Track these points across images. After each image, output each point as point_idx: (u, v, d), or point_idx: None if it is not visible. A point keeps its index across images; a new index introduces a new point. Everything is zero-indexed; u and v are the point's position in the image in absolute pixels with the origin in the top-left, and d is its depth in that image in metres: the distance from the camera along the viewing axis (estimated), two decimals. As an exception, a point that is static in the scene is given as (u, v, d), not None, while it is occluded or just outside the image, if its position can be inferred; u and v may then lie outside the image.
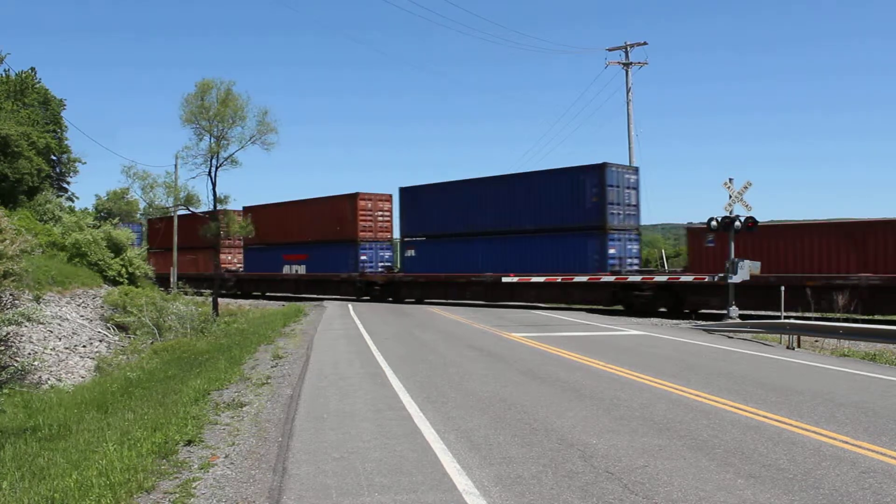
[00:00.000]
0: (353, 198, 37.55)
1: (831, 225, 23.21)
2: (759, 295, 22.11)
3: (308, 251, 39.99)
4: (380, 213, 38.35)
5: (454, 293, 32.77)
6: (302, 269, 40.28)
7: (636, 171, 29.73)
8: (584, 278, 27.30)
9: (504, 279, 29.83)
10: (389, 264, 38.59)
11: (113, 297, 29.32)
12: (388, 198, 38.69)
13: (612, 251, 27.64)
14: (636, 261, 29.60)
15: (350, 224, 37.38)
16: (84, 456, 7.90)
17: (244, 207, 44.10)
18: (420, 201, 34.80)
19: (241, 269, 46.09)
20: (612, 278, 26.73)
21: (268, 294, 44.69)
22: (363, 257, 37.17)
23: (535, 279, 28.84)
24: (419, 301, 34.31)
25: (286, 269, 41.29)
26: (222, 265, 43.69)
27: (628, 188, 28.57)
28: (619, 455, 6.43)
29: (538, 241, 29.49)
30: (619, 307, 27.41)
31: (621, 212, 28.06)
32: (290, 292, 42.11)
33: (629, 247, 28.80)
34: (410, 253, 34.84)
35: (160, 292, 35.96)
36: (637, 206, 29.06)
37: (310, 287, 40.34)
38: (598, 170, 27.54)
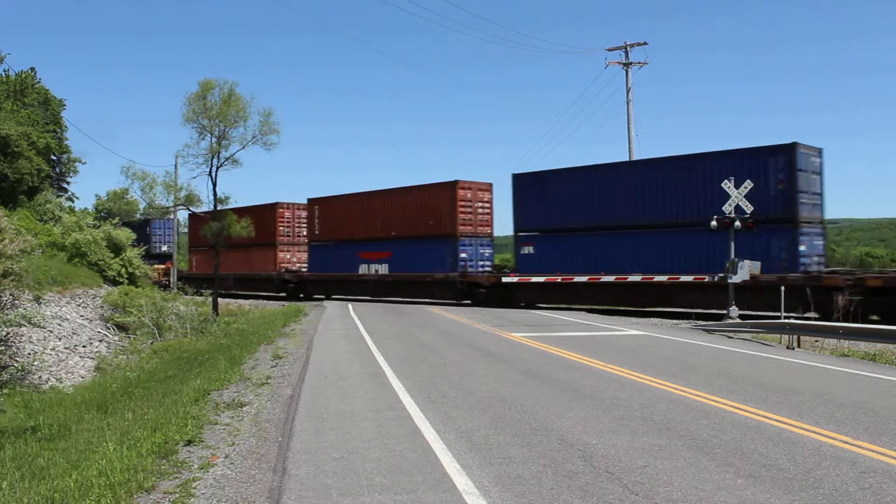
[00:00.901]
0: (451, 186, 33.03)
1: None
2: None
3: (391, 248, 35.35)
4: (480, 204, 33.81)
5: (587, 296, 28.18)
6: (383, 269, 35.75)
7: (820, 153, 24.93)
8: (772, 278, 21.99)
9: (657, 278, 25.39)
10: (490, 263, 34.42)
11: (113, 297, 29.32)
12: (489, 187, 34.42)
13: (802, 248, 23.26)
14: (823, 258, 25.04)
15: (447, 217, 32.93)
16: (84, 456, 7.90)
17: (309, 199, 40.68)
18: (543, 189, 29.65)
19: (302, 269, 42.26)
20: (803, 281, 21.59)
21: (338, 297, 39.66)
22: (463, 255, 32.67)
23: (683, 278, 24.60)
24: (530, 306, 30.20)
25: (363, 269, 36.71)
26: (281, 264, 41.69)
27: (814, 173, 24.28)
28: (619, 455, 6.43)
29: (695, 236, 24.25)
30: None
31: (809, 201, 23.73)
32: (366, 295, 37.22)
33: (815, 242, 24.31)
34: (527, 250, 29.91)
35: (178, 296, 34.96)
36: (822, 194, 24.79)
37: (393, 289, 35.61)
38: (787, 151, 23.20)
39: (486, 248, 34.19)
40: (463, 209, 33.10)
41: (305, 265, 42.12)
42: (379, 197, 36.99)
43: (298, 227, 43.11)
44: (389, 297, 35.91)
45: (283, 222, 42.86)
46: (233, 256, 43.28)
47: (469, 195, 33.40)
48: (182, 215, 52.06)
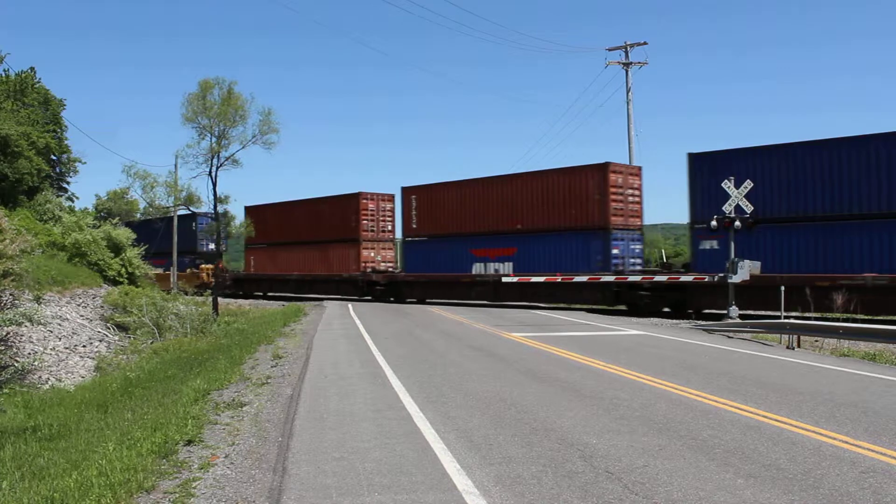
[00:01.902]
0: (601, 170, 27.83)
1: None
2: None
3: (517, 244, 30.15)
4: (630, 191, 28.60)
5: (824, 298, 21.18)
6: (505, 268, 30.50)
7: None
8: None
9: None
10: (641, 260, 29.26)
11: (113, 296, 29.32)
12: (638, 171, 29.44)
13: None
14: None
15: (596, 206, 27.68)
16: (84, 456, 7.90)
17: (404, 188, 35.47)
18: (734, 170, 23.74)
19: (392, 268, 38.07)
20: None
21: (442, 301, 33.35)
22: (615, 251, 27.43)
23: None
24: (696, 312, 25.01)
25: (477, 269, 31.49)
26: (365, 263, 37.13)
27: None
28: (619, 455, 6.43)
29: None
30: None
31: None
32: (483, 299, 31.83)
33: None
34: (709, 245, 24.33)
35: (178, 296, 34.00)
36: None
37: (519, 292, 30.27)
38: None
39: (636, 244, 28.96)
40: (615, 196, 27.78)
41: (391, 264, 38.11)
42: (499, 184, 31.35)
43: (383, 220, 38.24)
44: (515, 302, 30.91)
45: (366, 215, 37.67)
46: (294, 255, 40.14)
47: (620, 180, 28.14)
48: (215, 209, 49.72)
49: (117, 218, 50.34)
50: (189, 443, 7.39)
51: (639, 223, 29.24)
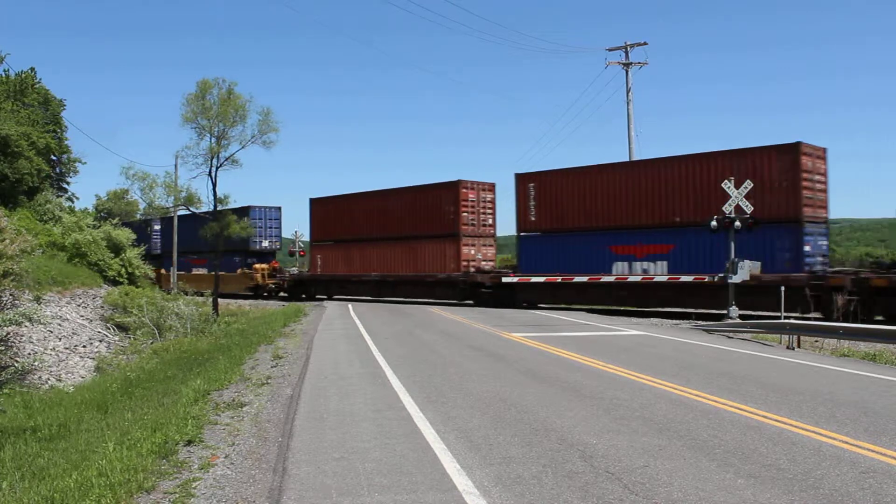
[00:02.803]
0: (791, 150, 23.03)
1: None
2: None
3: (674, 239, 25.33)
4: (818, 177, 23.87)
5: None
6: (658, 268, 25.79)
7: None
8: None
9: None
10: (825, 257, 24.81)
11: (113, 297, 29.34)
12: (823, 153, 24.27)
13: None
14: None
15: (782, 194, 23.06)
16: (84, 456, 7.90)
17: (519, 175, 30.36)
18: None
19: (493, 268, 33.73)
20: None
21: (569, 306, 29.26)
22: (807, 248, 22.96)
23: None
24: None
25: (619, 269, 26.78)
26: (467, 262, 32.34)
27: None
28: (619, 455, 6.43)
29: None
30: None
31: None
32: (627, 304, 27.21)
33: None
34: None
35: (179, 296, 33.25)
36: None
37: (678, 294, 25.51)
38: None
39: (822, 239, 24.52)
40: (807, 183, 23.06)
41: (492, 263, 33.85)
42: (644, 169, 26.87)
43: (483, 213, 33.68)
44: (671, 307, 26.03)
45: (466, 207, 32.78)
46: (373, 253, 36.16)
47: (810, 164, 23.30)
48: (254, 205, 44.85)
49: (117, 218, 49.98)
50: (189, 443, 7.39)
51: (825, 215, 24.33)
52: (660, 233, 25.98)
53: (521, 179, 30.32)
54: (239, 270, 45.12)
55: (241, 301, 42.78)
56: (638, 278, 26.14)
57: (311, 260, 40.87)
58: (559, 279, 28.41)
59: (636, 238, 26.62)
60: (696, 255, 24.87)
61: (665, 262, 25.86)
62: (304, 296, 40.40)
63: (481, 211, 33.54)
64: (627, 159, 35.94)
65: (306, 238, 43.40)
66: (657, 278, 25.83)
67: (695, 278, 24.51)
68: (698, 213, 24.36)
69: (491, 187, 34.04)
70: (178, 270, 47.86)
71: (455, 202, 32.85)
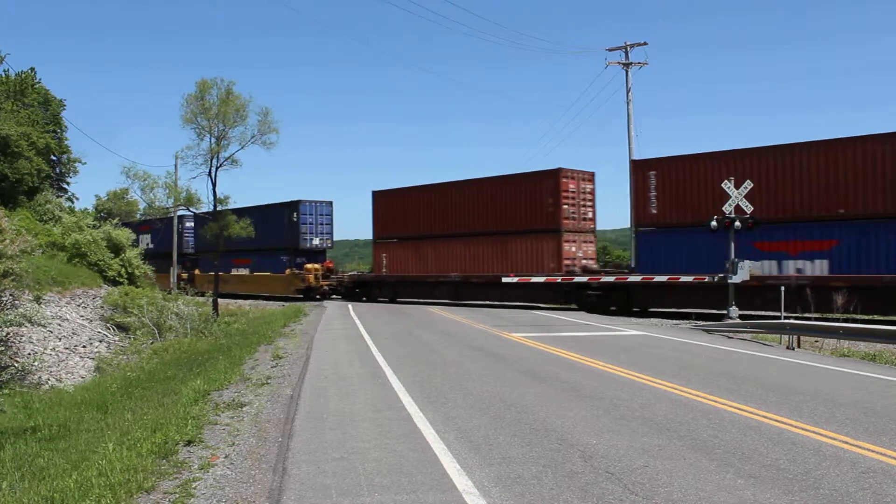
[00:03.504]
0: None
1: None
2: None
3: (839, 234, 21.89)
4: None
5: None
6: (817, 268, 22.20)
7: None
8: None
9: None
10: None
11: (113, 297, 29.33)
12: None
13: None
14: None
15: None
16: (84, 456, 7.90)
17: (635, 161, 27.09)
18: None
19: (594, 266, 30.55)
20: None
21: (706, 310, 24.20)
22: None
23: None
24: None
25: (766, 268, 22.94)
26: (570, 261, 28.92)
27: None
28: (619, 455, 6.43)
29: None
30: None
31: None
32: (787, 310, 19.95)
33: None
34: None
35: (179, 296, 32.78)
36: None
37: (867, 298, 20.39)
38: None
39: None
40: None
41: (592, 261, 30.59)
42: (794, 152, 22.75)
43: (583, 205, 30.26)
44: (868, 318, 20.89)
45: (567, 198, 29.27)
46: (451, 251, 32.59)
47: None
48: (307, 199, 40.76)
49: (117, 218, 49.81)
50: (189, 443, 7.39)
51: None
52: (819, 227, 22.13)
53: (639, 167, 26.40)
54: (287, 271, 40.87)
55: (241, 301, 42.62)
56: (792, 279, 21.87)
57: (375, 259, 37.29)
58: (691, 279, 23.93)
59: (787, 233, 22.74)
60: (872, 252, 21.25)
61: (825, 261, 22.07)
62: (364, 298, 37.07)
63: (581, 203, 30.02)
64: (626, 159, 35.74)
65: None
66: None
67: (695, 278, 24.20)
68: (874, 204, 21.06)
69: (591, 177, 30.65)
70: (217, 272, 45.62)
71: (555, 193, 29.21)
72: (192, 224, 49.50)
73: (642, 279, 25.52)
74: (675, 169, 25.48)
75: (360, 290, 37.68)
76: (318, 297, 39.19)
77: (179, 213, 45.13)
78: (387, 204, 36.64)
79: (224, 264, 44.25)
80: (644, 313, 26.30)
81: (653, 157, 26.51)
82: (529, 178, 30.46)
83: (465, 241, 32.16)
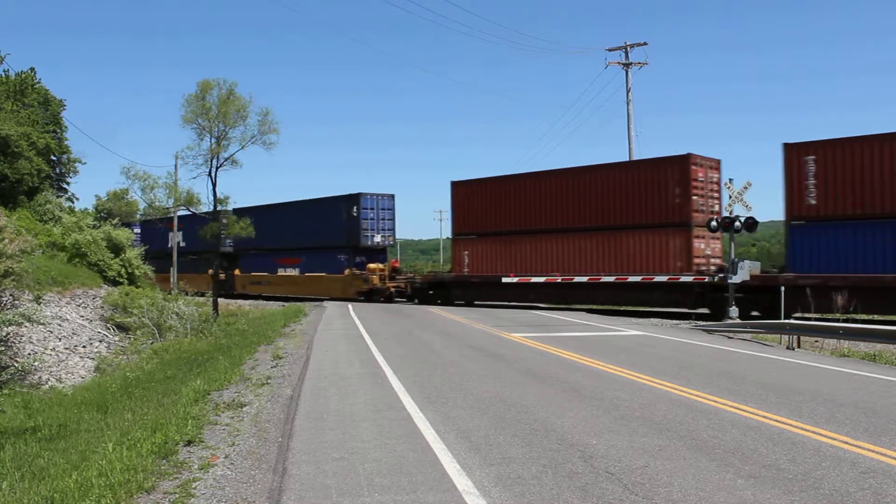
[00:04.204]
0: None
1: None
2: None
3: None
4: None
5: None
6: None
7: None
8: None
9: None
10: None
11: (113, 297, 29.34)
12: None
13: None
14: None
15: None
16: (84, 456, 7.91)
17: (789, 145, 22.74)
18: None
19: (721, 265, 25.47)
20: None
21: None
22: None
23: None
24: None
25: None
26: (700, 260, 25.24)
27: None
28: (619, 455, 6.43)
29: None
30: None
31: None
32: None
33: None
34: None
35: (179, 296, 32.03)
36: None
37: None
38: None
39: None
40: None
41: (718, 259, 26.19)
42: None
43: (711, 197, 26.40)
44: None
45: (696, 189, 25.53)
46: (548, 247, 29.01)
47: None
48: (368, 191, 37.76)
49: (117, 219, 49.65)
50: (189, 443, 7.39)
51: None
52: None
53: (795, 151, 22.80)
54: (347, 271, 37.36)
55: (241, 301, 42.53)
56: None
57: (455, 257, 33.18)
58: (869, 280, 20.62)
59: None
60: None
61: None
62: (439, 301, 32.93)
63: (708, 194, 26.35)
64: (627, 159, 35.65)
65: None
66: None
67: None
68: None
69: (716, 164, 26.87)
70: (258, 272, 42.57)
71: (683, 182, 25.48)
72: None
73: (794, 281, 21.27)
74: (842, 152, 21.84)
75: (434, 293, 33.52)
76: (382, 299, 35.83)
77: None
78: (469, 195, 32.44)
79: (268, 264, 42.20)
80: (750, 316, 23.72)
81: (811, 140, 22.76)
82: (650, 166, 26.81)
83: (566, 238, 28.42)
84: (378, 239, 38.22)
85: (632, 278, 26.26)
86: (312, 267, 39.68)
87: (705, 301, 24.54)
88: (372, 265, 36.80)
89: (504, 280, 28.92)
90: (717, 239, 26.16)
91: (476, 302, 32.63)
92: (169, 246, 47.46)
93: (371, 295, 36.22)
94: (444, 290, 33.29)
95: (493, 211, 31.31)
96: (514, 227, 30.55)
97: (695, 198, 25.42)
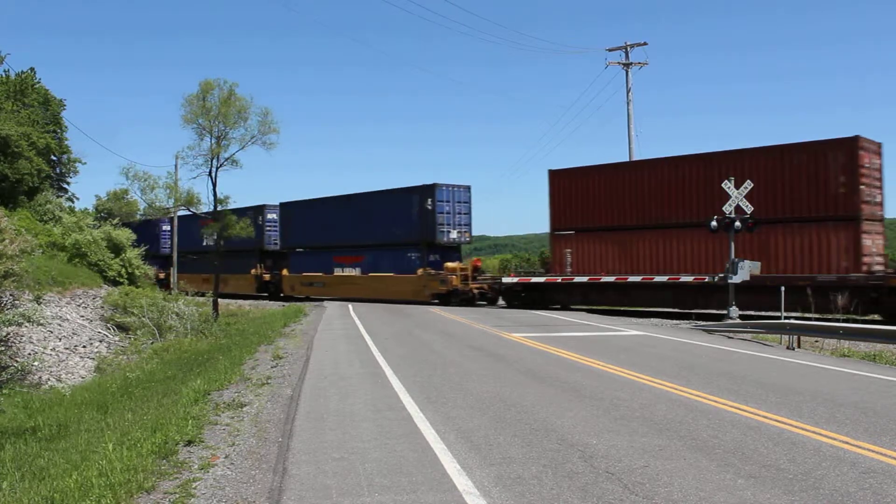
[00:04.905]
0: None
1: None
2: None
3: None
4: None
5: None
6: None
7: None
8: None
9: None
10: None
11: (113, 297, 29.35)
12: None
13: None
14: None
15: None
16: (84, 456, 7.90)
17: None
18: None
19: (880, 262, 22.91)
20: None
21: None
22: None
23: None
24: None
25: None
26: (868, 258, 22.20)
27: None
28: (619, 455, 6.43)
29: None
30: None
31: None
32: None
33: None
34: None
35: (179, 296, 32.02)
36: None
37: None
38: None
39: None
40: None
41: (882, 258, 23.32)
42: None
43: (873, 186, 23.08)
44: None
45: (865, 177, 22.56)
46: (676, 244, 25.37)
47: None
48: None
49: (117, 219, 49.62)
50: (189, 443, 7.39)
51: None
52: None
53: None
54: (420, 271, 33.41)
55: (241, 301, 42.42)
56: None
57: (555, 255, 29.26)
58: None
59: None
60: None
61: None
62: (533, 305, 29.33)
63: (873, 183, 23.11)
64: (627, 159, 35.68)
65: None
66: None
67: (695, 279, 24.15)
68: None
69: (878, 148, 23.51)
70: (310, 272, 38.69)
71: (849, 170, 22.19)
72: (275, 216, 42.59)
73: None
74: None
75: (526, 295, 29.71)
76: (460, 302, 32.02)
77: (261, 203, 41.84)
78: (570, 186, 28.59)
79: (322, 263, 38.31)
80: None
81: None
82: (805, 150, 23.25)
83: (693, 234, 24.76)
84: (454, 235, 34.17)
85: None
86: (377, 266, 35.80)
87: (877, 305, 21.25)
88: (450, 264, 32.97)
89: (631, 279, 25.02)
90: (880, 234, 23.31)
91: (581, 307, 28.87)
92: (205, 244, 43.20)
93: (449, 297, 32.39)
94: (538, 292, 29.33)
95: (605, 205, 27.61)
96: (631, 222, 26.83)
97: (862, 187, 22.04)
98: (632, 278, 26.14)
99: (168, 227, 46.21)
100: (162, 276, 46.93)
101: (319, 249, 38.60)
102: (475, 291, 32.20)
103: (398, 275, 34.27)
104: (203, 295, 35.50)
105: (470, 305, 31.80)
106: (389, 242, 34.92)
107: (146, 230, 48.31)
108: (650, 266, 26.15)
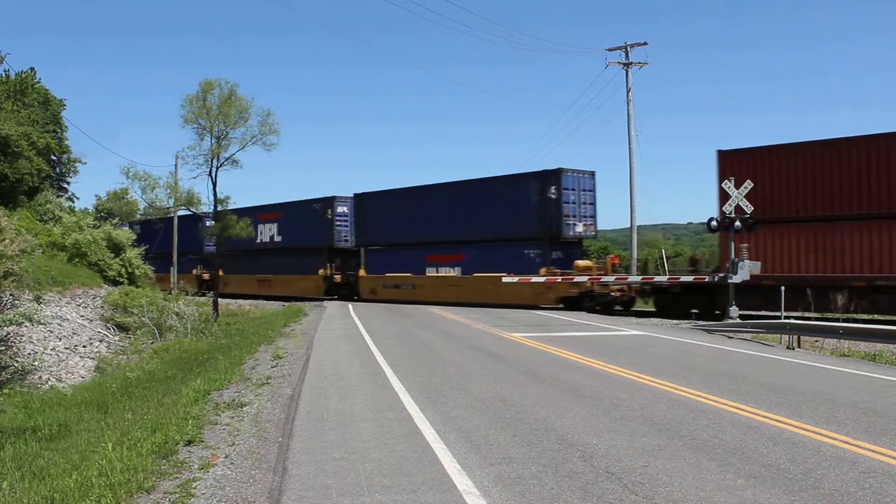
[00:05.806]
0: None
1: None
2: None
3: None
4: None
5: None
6: None
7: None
8: None
9: None
10: None
11: (113, 297, 29.32)
12: None
13: None
14: None
15: None
16: (84, 456, 7.90)
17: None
18: None
19: None
20: None
21: None
22: None
23: None
24: None
25: None
26: None
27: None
28: (619, 455, 6.43)
29: None
30: None
31: None
32: None
33: None
34: None
35: (179, 296, 32.25)
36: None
37: None
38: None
39: None
40: None
41: None
42: None
43: None
44: None
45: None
46: (867, 236, 20.53)
47: None
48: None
49: (117, 219, 49.56)
50: (189, 443, 7.39)
51: None
52: None
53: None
54: (543, 270, 28.94)
55: (241, 301, 42.38)
56: None
57: (723, 251, 23.09)
58: None
59: None
60: None
61: None
62: (717, 312, 23.09)
63: None
64: (627, 159, 35.60)
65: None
66: None
67: (695, 278, 24.11)
68: None
69: None
70: (394, 272, 35.00)
71: None
72: (346, 209, 38.33)
73: None
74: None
75: (688, 298, 24.38)
76: (597, 307, 27.38)
77: (330, 194, 39.28)
78: (749, 168, 22.89)
79: (409, 262, 34.13)
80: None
81: None
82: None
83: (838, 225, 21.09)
84: (580, 228, 29.65)
85: None
86: (481, 265, 31.07)
87: None
88: (581, 262, 28.68)
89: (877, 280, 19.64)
90: None
91: (776, 311, 20.88)
92: (259, 241, 41.31)
93: (580, 301, 27.75)
94: (707, 295, 23.96)
95: (792, 189, 22.47)
96: (827, 212, 21.69)
97: None
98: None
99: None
100: (206, 276, 45.17)
101: (404, 246, 34.22)
102: (614, 293, 27.63)
103: (512, 275, 28.76)
104: (255, 297, 32.25)
105: (608, 313, 26.50)
106: (499, 237, 30.39)
107: (189, 224, 44.69)
108: (849, 264, 21.07)
